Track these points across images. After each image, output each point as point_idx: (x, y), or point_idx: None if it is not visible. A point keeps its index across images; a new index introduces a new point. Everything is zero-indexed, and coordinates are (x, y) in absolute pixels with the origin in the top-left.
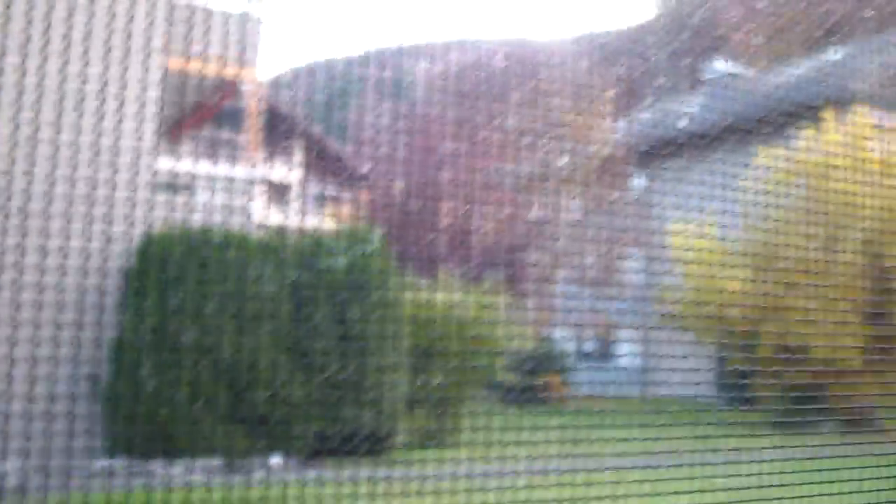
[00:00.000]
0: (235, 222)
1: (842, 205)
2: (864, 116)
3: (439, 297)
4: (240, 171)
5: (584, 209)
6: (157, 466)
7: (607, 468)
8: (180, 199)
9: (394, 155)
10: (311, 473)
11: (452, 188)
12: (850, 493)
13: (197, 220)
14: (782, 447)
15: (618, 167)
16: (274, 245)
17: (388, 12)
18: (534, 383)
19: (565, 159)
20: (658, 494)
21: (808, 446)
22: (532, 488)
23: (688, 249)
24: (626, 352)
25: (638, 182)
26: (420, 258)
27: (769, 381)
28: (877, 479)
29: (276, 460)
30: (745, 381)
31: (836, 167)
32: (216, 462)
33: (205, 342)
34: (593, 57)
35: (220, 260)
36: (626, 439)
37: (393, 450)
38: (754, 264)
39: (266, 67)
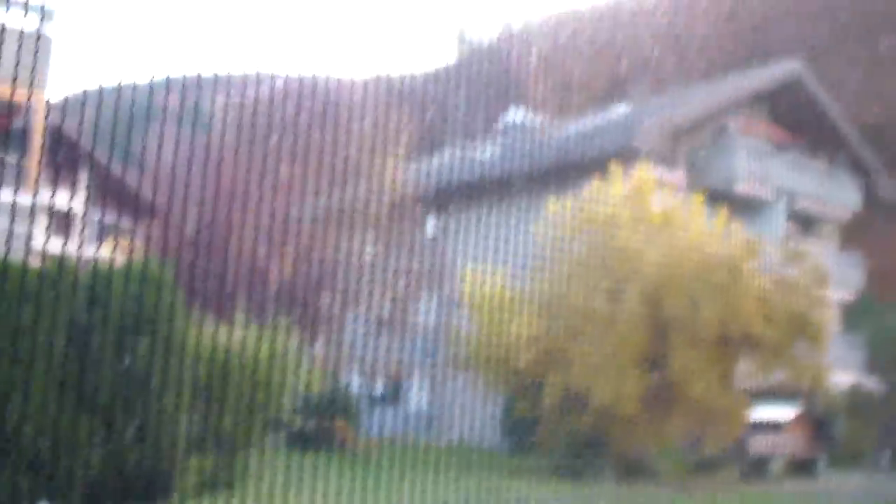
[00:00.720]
0: (15, 251)
1: (624, 255)
2: (646, 171)
3: (227, 335)
4: (22, 197)
5: (377, 251)
6: None
7: None
8: None
9: (184, 187)
10: None
11: (244, 224)
12: None
13: None
14: (564, 494)
15: (411, 210)
16: (54, 276)
17: (185, 40)
18: (322, 427)
19: (358, 199)
20: None
21: (586, 493)
22: None
23: (478, 294)
24: (416, 396)
25: (431, 226)
26: (208, 295)
27: (553, 427)
28: None
29: None
30: (531, 427)
31: (620, 219)
32: None
33: None
34: (391, 99)
35: None
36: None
37: (174, 495)
38: (541, 311)
39: (55, 89)
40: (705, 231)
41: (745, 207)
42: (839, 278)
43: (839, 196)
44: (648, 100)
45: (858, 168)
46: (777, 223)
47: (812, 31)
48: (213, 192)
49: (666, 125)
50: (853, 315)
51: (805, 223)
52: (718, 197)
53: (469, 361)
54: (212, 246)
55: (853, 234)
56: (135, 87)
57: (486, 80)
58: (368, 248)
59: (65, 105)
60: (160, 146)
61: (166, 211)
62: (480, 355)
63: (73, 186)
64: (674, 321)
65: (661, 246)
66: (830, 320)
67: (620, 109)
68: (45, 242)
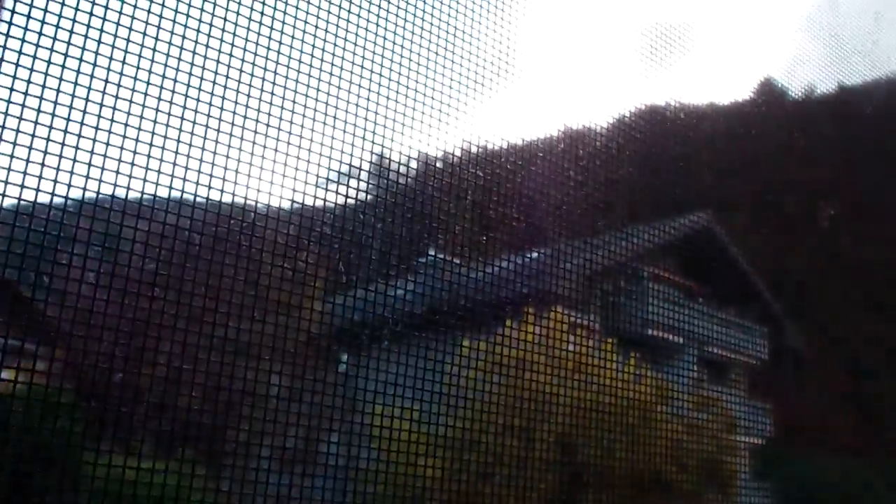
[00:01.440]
0: None
1: (537, 397)
2: (560, 314)
3: (133, 470)
4: None
5: (288, 385)
6: None
7: None
8: None
9: (93, 313)
10: None
11: (153, 353)
12: None
13: None
14: None
15: (324, 345)
16: None
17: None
18: None
19: (270, 333)
20: None
21: None
22: None
23: (389, 432)
24: None
25: (344, 361)
26: (115, 426)
27: None
28: None
29: None
30: None
31: (534, 361)
32: None
33: None
34: (306, 231)
35: None
36: None
37: None
38: (453, 451)
39: None
40: (618, 375)
41: (656, 352)
42: (748, 425)
43: (747, 343)
44: (564, 244)
45: (766, 317)
46: (688, 368)
47: (724, 186)
48: (123, 321)
49: (581, 270)
50: (762, 462)
51: (715, 369)
52: (631, 341)
53: (378, 501)
54: (120, 375)
55: (761, 381)
56: (50, 207)
57: (405, 218)
58: (279, 383)
59: None
60: (72, 271)
61: (74, 337)
62: (389, 495)
63: None
64: (586, 464)
65: (574, 389)
66: (740, 466)
67: (536, 253)
68: None
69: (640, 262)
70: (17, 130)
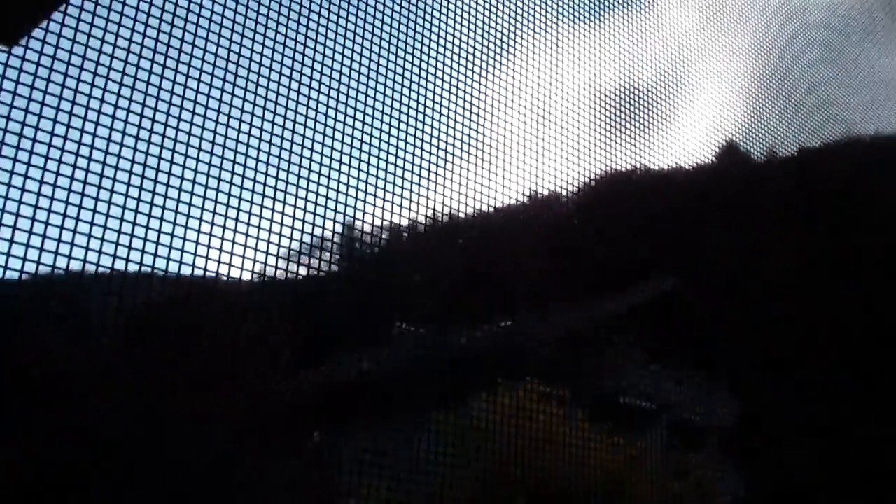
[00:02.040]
0: None
1: (510, 468)
2: (532, 384)
3: None
4: None
5: (259, 461)
6: None
7: None
8: None
9: (61, 394)
10: None
11: (124, 429)
12: None
13: None
14: None
15: (295, 420)
16: None
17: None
18: None
19: (240, 408)
20: None
21: None
22: None
23: None
24: None
25: (315, 436)
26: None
27: None
28: None
29: None
30: None
31: (506, 431)
32: None
33: None
34: (277, 303)
35: None
36: None
37: None
38: None
39: None
40: (590, 443)
41: (628, 419)
42: (722, 490)
43: (719, 408)
44: (532, 313)
45: (738, 381)
46: (660, 434)
47: (690, 249)
48: (91, 398)
49: (550, 338)
50: None
51: (687, 434)
52: (603, 409)
53: None
54: (87, 452)
55: (734, 446)
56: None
57: (373, 289)
58: (250, 459)
59: None
60: (38, 349)
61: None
62: None
63: None
64: None
65: (547, 459)
66: None
67: (505, 322)
68: None
69: (611, 327)
70: None
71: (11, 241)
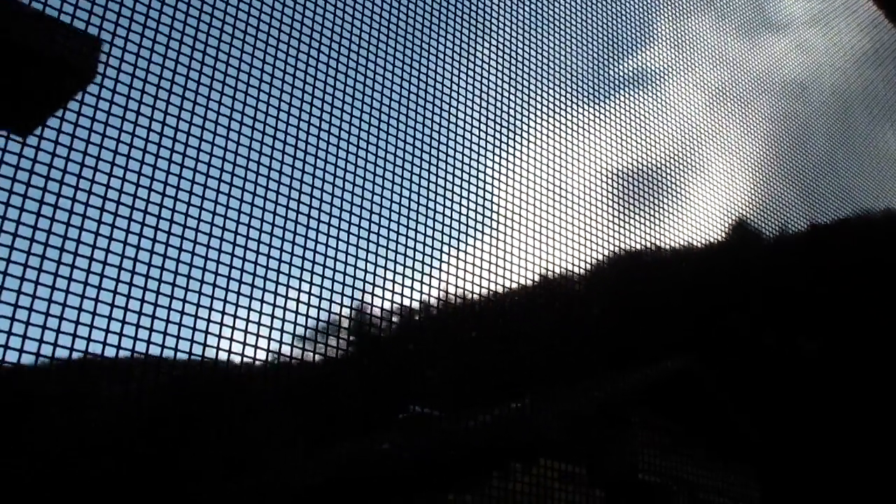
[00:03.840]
0: None
1: None
2: (549, 464)
3: None
4: None
5: None
6: None
7: None
8: None
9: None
10: None
11: None
12: None
13: None
14: None
15: None
16: None
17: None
18: None
19: (253, 493)
20: None
21: None
22: None
23: None
24: None
25: None
26: None
27: None
28: None
29: None
30: None
31: None
32: None
33: None
34: (285, 388)
35: None
36: None
37: None
38: None
39: None
40: None
41: (647, 499)
42: None
43: (739, 486)
44: (547, 392)
45: (759, 463)
46: None
47: (706, 328)
48: (104, 483)
49: (566, 417)
50: None
51: None
52: (621, 488)
53: None
54: None
55: None
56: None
57: (384, 372)
58: None
59: None
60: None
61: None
62: None
63: None
64: None
65: None
66: None
67: (521, 401)
68: None
69: (626, 407)
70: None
71: (27, 325)
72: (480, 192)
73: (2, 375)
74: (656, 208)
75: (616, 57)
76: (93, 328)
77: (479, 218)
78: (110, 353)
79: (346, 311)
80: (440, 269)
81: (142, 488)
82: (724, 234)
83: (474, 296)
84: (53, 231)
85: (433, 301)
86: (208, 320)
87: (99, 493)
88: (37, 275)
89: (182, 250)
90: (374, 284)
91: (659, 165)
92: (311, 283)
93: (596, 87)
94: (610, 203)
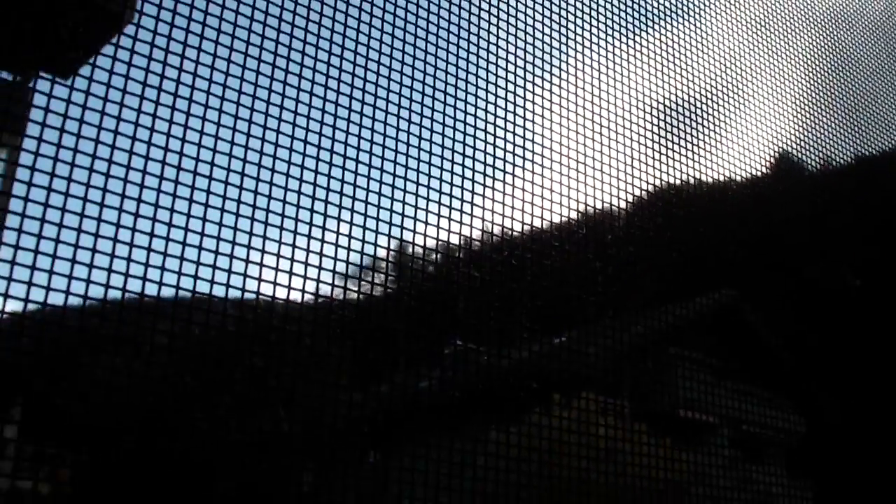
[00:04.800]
0: None
1: (569, 485)
2: (590, 399)
3: None
4: None
5: (318, 480)
6: None
7: None
8: None
9: (126, 417)
10: None
11: (185, 452)
12: None
13: None
14: None
15: (351, 440)
16: None
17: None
18: None
19: (298, 426)
20: None
21: None
22: None
23: None
24: None
25: (373, 456)
26: None
27: None
28: None
29: None
30: None
31: (564, 448)
32: None
33: None
34: (331, 324)
35: None
36: None
37: None
38: None
39: None
40: (650, 458)
41: (689, 433)
42: None
43: (783, 421)
44: (591, 327)
45: (801, 393)
46: (722, 449)
47: (749, 263)
48: (154, 422)
49: (609, 352)
50: None
51: (751, 449)
52: (663, 422)
53: None
54: (153, 476)
55: (801, 459)
56: (83, 312)
57: (428, 308)
58: (309, 478)
59: None
60: (100, 374)
61: (105, 441)
62: None
63: (6, 414)
64: None
65: (608, 474)
66: None
67: (564, 336)
68: None
69: (669, 341)
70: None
71: (74, 263)
72: (520, 128)
73: (61, 317)
74: (698, 142)
75: None
76: (148, 267)
77: (520, 153)
78: (167, 293)
79: (389, 248)
80: (482, 207)
81: (192, 422)
82: (767, 168)
83: (514, 232)
84: (96, 170)
85: (475, 236)
86: (257, 263)
87: (151, 426)
88: (96, 226)
89: (227, 198)
90: (415, 219)
91: (701, 98)
92: (359, 224)
93: (637, 19)
94: (651, 137)
